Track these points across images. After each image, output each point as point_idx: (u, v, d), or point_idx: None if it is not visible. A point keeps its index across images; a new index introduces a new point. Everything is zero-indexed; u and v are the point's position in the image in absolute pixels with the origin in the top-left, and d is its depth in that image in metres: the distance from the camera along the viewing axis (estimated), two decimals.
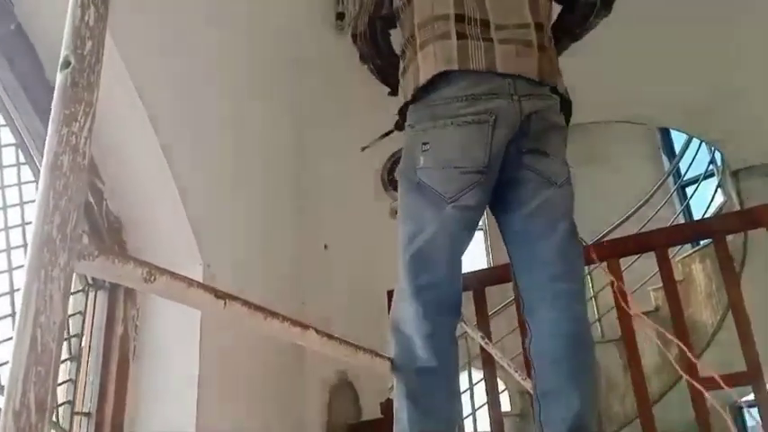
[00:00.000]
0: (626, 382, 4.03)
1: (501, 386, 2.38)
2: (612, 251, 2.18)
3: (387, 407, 2.36)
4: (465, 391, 4.06)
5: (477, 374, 4.22)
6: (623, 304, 1.94)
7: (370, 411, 2.76)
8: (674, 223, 4.93)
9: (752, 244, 4.21)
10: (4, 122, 1.78)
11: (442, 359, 1.44)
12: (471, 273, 2.42)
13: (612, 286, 1.94)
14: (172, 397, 1.77)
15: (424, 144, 1.48)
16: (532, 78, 1.48)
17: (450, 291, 1.51)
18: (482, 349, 2.00)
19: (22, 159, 1.81)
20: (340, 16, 3.17)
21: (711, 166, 5.36)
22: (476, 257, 6.04)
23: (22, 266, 1.70)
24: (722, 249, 2.08)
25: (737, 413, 4.65)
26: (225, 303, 0.94)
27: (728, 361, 2.12)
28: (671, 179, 5.85)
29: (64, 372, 1.88)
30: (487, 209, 1.59)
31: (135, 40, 1.72)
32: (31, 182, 1.81)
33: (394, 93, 1.77)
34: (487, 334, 2.05)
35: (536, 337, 1.46)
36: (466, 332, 1.90)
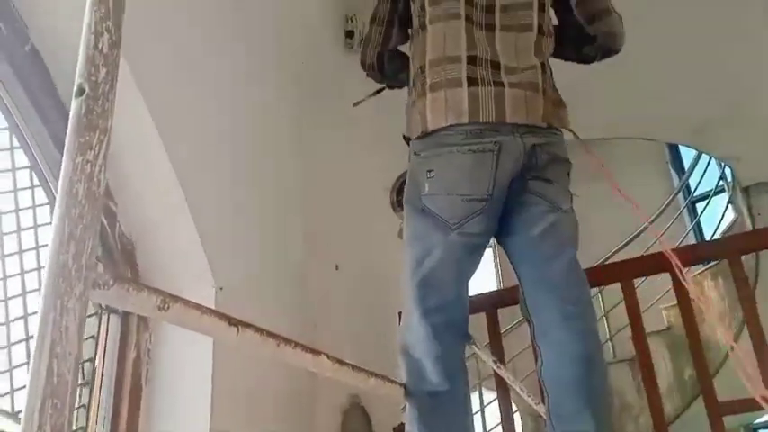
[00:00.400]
0: (640, 403, 3.97)
1: (513, 407, 2.35)
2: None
3: (400, 431, 2.35)
4: (476, 413, 4.02)
5: (488, 395, 4.18)
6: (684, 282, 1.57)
7: None
8: (685, 240, 4.89)
9: (764, 262, 4.16)
10: (18, 145, 1.79)
11: (453, 382, 1.43)
12: (484, 294, 2.41)
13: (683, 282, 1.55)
14: (184, 421, 1.75)
15: (429, 172, 1.50)
16: (539, 126, 1.52)
17: (458, 313, 1.51)
18: (495, 372, 1.98)
19: (36, 182, 1.82)
20: (349, 34, 3.20)
21: (722, 182, 5.31)
22: (485, 278, 6.01)
23: (36, 290, 1.72)
24: (738, 270, 2.06)
25: None
26: (238, 331, 0.94)
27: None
28: (680, 195, 5.80)
29: (77, 397, 1.88)
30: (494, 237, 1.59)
31: (148, 64, 1.74)
32: (45, 204, 1.82)
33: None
34: (500, 357, 2.04)
35: (547, 360, 1.46)
36: (476, 353, 1.88)
